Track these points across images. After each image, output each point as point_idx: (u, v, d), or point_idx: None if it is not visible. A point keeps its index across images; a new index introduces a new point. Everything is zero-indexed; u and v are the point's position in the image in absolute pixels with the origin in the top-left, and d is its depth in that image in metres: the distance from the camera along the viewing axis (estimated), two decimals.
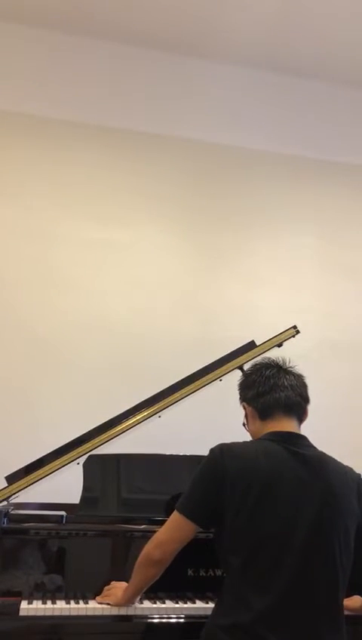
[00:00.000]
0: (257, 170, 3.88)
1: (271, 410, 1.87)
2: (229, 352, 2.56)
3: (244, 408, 1.97)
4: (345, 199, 3.99)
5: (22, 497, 2.34)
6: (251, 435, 1.96)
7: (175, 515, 1.78)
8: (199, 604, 2.01)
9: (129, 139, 3.72)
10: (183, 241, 3.71)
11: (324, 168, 3.97)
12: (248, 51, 3.80)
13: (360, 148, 4.06)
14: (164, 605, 1.98)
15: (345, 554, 1.72)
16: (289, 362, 1.98)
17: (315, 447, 1.84)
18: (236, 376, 2.13)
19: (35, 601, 1.96)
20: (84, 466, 2.37)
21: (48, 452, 2.34)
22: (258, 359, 2.12)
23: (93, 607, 1.94)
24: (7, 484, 2.27)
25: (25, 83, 3.62)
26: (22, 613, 1.89)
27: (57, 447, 2.35)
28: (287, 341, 2.65)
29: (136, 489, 2.49)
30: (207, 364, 2.54)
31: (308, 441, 1.85)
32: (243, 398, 1.97)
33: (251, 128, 3.91)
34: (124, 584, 1.95)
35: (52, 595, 2.02)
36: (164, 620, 1.94)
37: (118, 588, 1.96)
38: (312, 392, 1.96)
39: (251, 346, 2.58)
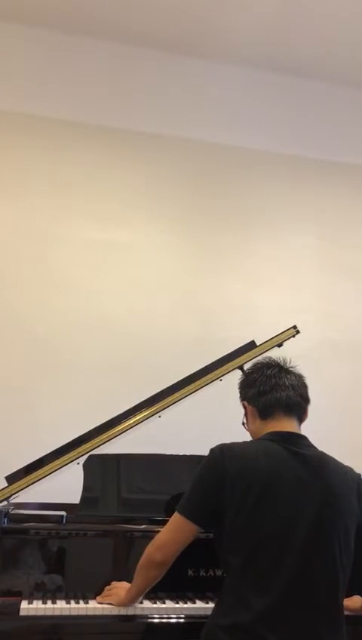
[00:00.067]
0: (257, 170, 3.88)
1: (272, 409, 1.87)
2: (229, 352, 2.56)
3: (244, 407, 1.97)
4: (345, 199, 3.99)
5: (22, 497, 2.34)
6: (251, 434, 1.96)
7: (175, 517, 1.78)
8: (199, 604, 2.01)
9: (129, 139, 3.72)
10: (183, 241, 3.71)
11: (324, 168, 3.97)
12: (248, 51, 3.80)
13: (360, 148, 4.06)
14: (164, 605, 1.98)
15: (345, 554, 1.72)
16: (290, 362, 1.98)
17: (315, 447, 1.84)
18: (236, 376, 2.13)
19: (35, 601, 1.96)
20: (84, 465, 2.37)
21: (48, 452, 2.34)
22: (259, 358, 2.12)
23: (93, 607, 1.94)
24: (7, 484, 2.27)
25: (25, 83, 3.62)
26: (22, 613, 1.89)
27: (57, 447, 2.35)
28: (287, 341, 2.65)
29: (136, 489, 2.49)
30: (207, 364, 2.54)
31: (308, 441, 1.85)
32: (244, 397, 1.97)
33: (251, 128, 3.91)
34: (125, 584, 1.95)
35: (52, 594, 2.02)
36: (164, 620, 1.94)
37: (119, 588, 1.96)
38: (312, 392, 1.96)
39: (251, 346, 2.58)
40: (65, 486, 2.38)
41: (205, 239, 3.73)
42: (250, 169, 3.88)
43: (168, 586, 1.91)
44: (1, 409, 3.23)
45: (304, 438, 1.85)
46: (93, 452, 2.37)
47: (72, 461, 2.32)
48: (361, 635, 1.98)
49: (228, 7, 3.48)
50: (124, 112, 3.74)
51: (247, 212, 3.83)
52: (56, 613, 1.90)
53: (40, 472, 2.28)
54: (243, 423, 1.99)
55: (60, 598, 2.00)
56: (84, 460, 2.36)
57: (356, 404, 3.68)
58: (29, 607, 1.91)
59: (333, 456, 1.84)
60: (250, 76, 3.93)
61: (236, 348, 2.57)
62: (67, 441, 2.36)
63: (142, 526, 2.19)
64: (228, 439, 1.84)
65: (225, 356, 2.55)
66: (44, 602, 1.96)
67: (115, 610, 1.92)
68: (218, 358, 2.55)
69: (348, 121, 4.08)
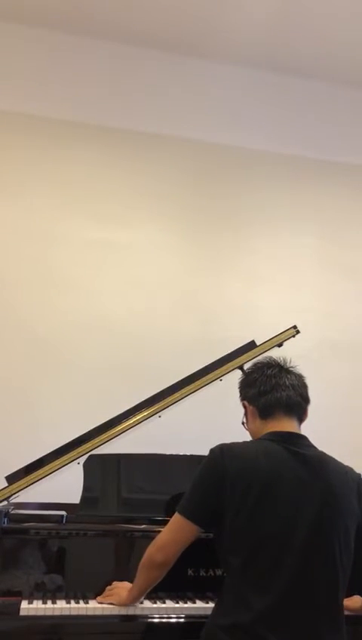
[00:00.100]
0: (257, 170, 3.88)
1: (272, 409, 1.87)
2: (229, 352, 2.56)
3: (244, 407, 1.97)
4: (345, 199, 4.00)
5: (22, 497, 2.34)
6: (250, 433, 1.96)
7: (176, 517, 1.78)
8: (199, 604, 2.01)
9: (129, 138, 3.72)
10: (183, 240, 3.71)
11: (324, 168, 3.97)
12: (248, 51, 3.80)
13: (360, 148, 4.06)
14: (164, 605, 1.98)
15: (345, 554, 1.72)
16: (290, 362, 1.98)
17: (315, 447, 1.84)
18: (236, 376, 2.13)
19: (35, 601, 1.96)
20: (85, 465, 2.37)
21: (48, 452, 2.34)
22: (259, 358, 2.12)
23: (93, 607, 1.94)
24: (7, 484, 2.27)
25: (25, 83, 3.62)
26: (22, 613, 1.89)
27: (57, 447, 2.35)
28: (287, 341, 2.65)
29: (137, 489, 2.49)
30: (207, 364, 2.54)
31: (309, 441, 1.85)
32: (244, 397, 1.97)
33: (251, 128, 3.91)
34: (126, 584, 1.95)
35: (52, 594, 2.02)
36: (164, 620, 1.94)
37: (121, 588, 1.96)
38: (312, 392, 1.96)
39: (251, 345, 2.58)
40: (66, 486, 2.38)
41: (205, 239, 3.73)
42: (250, 169, 3.88)
43: (168, 586, 1.91)
44: (1, 409, 3.23)
45: (304, 438, 1.85)
46: (93, 452, 2.37)
47: (72, 461, 2.32)
48: (361, 635, 1.98)
49: (228, 7, 3.48)
50: (124, 112, 3.74)
51: (247, 211, 3.83)
52: (57, 613, 1.90)
53: (40, 472, 2.28)
54: (243, 423, 1.99)
55: (60, 598, 2.00)
56: (84, 459, 2.36)
57: (356, 404, 3.68)
58: (29, 607, 1.91)
59: (333, 456, 1.84)
60: (250, 76, 3.93)
61: (236, 348, 2.57)
62: (67, 441, 2.36)
63: (143, 526, 2.19)
64: (228, 439, 1.84)
65: (225, 356, 2.55)
66: (44, 602, 1.96)
67: (115, 610, 1.92)
68: (218, 358, 2.55)
69: (348, 121, 4.08)
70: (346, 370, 3.72)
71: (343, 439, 3.15)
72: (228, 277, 3.72)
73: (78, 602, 1.96)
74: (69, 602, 1.96)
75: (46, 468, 2.29)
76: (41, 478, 2.28)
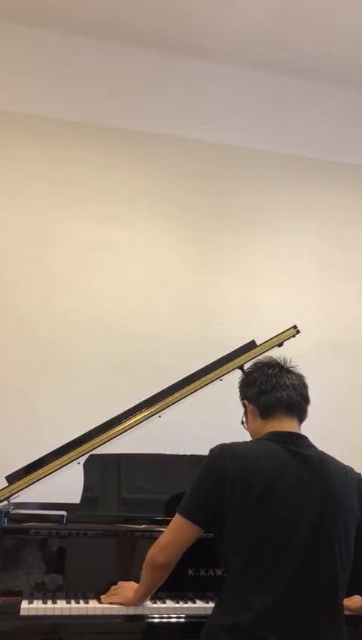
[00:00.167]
0: (257, 170, 3.88)
1: (273, 409, 1.87)
2: (229, 352, 2.56)
3: (244, 406, 1.97)
4: (345, 199, 4.00)
5: (22, 497, 2.34)
6: (250, 433, 1.95)
7: (176, 518, 1.78)
8: (199, 603, 2.01)
9: (129, 138, 3.72)
10: (183, 240, 3.71)
11: (324, 168, 3.97)
12: (248, 51, 3.80)
13: (360, 148, 4.06)
14: (164, 605, 1.98)
15: (345, 554, 1.72)
16: (291, 362, 1.98)
17: (316, 447, 1.84)
18: (236, 376, 2.13)
19: (35, 601, 1.96)
20: (85, 465, 2.37)
21: (48, 452, 2.34)
22: (259, 358, 2.12)
23: (93, 607, 1.94)
24: (7, 484, 2.27)
25: (25, 83, 3.62)
26: (22, 612, 1.89)
27: (57, 447, 2.35)
28: (287, 341, 2.65)
29: (137, 489, 2.49)
30: (207, 364, 2.54)
31: (309, 440, 1.85)
32: (244, 396, 1.96)
33: (251, 128, 3.91)
34: (133, 584, 1.96)
35: (52, 594, 2.02)
36: (164, 620, 1.94)
37: (126, 588, 1.96)
38: (312, 392, 1.96)
39: (251, 345, 2.58)
40: (66, 486, 2.38)
41: (205, 239, 3.73)
42: (250, 169, 3.88)
43: (168, 586, 1.91)
44: (1, 409, 3.23)
45: (304, 437, 1.85)
46: (93, 452, 2.37)
47: (72, 461, 2.32)
48: (361, 635, 1.98)
49: (228, 7, 3.48)
50: (124, 112, 3.74)
51: (247, 211, 3.83)
52: (57, 613, 1.91)
53: (40, 472, 2.28)
54: (243, 422, 1.99)
55: (61, 598, 2.00)
56: (85, 459, 2.36)
57: (356, 404, 3.68)
58: (30, 607, 1.91)
59: (333, 456, 1.84)
60: (250, 76, 3.93)
61: (236, 348, 2.57)
62: (67, 441, 2.36)
63: (143, 526, 2.19)
64: (228, 439, 1.84)
65: (225, 356, 2.55)
66: (45, 602, 1.96)
67: (115, 610, 1.92)
68: (218, 358, 2.55)
69: (348, 121, 4.08)
70: (346, 370, 3.72)
71: (343, 439, 3.15)
72: (228, 277, 3.72)
73: (78, 602, 1.97)
74: (69, 602, 1.97)
75: (46, 468, 2.29)
76: (41, 478, 2.28)
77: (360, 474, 1.86)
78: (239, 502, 1.70)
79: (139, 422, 2.42)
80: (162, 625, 1.93)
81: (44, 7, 3.51)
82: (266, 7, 3.47)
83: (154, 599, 1.99)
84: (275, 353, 2.16)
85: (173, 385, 2.49)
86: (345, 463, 1.85)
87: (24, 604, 1.93)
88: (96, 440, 2.36)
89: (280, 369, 1.94)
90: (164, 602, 2.00)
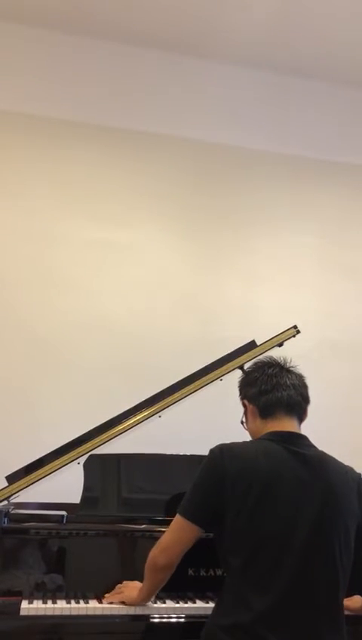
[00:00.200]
0: (257, 170, 3.89)
1: (273, 408, 1.87)
2: (229, 351, 2.56)
3: (244, 406, 1.96)
4: (345, 199, 4.00)
5: (22, 497, 2.34)
6: (250, 433, 1.95)
7: (177, 519, 1.78)
8: (199, 603, 2.01)
9: (129, 138, 3.72)
10: (183, 240, 3.71)
11: (324, 168, 3.97)
12: (248, 51, 3.80)
13: (360, 148, 4.07)
14: (164, 605, 1.98)
15: (345, 554, 1.72)
16: (291, 362, 1.98)
17: (316, 447, 1.84)
18: (236, 376, 2.13)
19: (35, 601, 1.96)
20: (85, 465, 2.37)
21: (48, 452, 2.34)
22: (259, 358, 2.12)
23: (93, 606, 1.94)
24: (7, 484, 2.27)
25: (25, 83, 3.62)
26: (22, 612, 1.89)
27: (57, 447, 2.35)
28: (287, 341, 2.65)
29: (137, 489, 2.49)
30: (207, 364, 2.54)
31: (309, 440, 1.85)
32: (244, 396, 1.96)
33: (251, 128, 3.91)
34: (137, 583, 1.96)
35: (52, 594, 2.02)
36: (164, 620, 1.94)
37: (131, 587, 1.96)
38: (312, 392, 1.96)
39: (251, 345, 2.58)
40: (66, 486, 2.38)
41: (205, 239, 3.73)
42: (250, 169, 3.88)
43: (168, 586, 1.91)
44: (1, 409, 3.23)
45: (304, 437, 1.85)
46: (94, 452, 2.37)
47: (72, 461, 2.32)
48: (361, 635, 1.98)
49: (228, 7, 3.48)
50: (124, 112, 3.74)
51: (247, 211, 3.83)
52: (57, 613, 1.91)
53: (40, 471, 2.28)
54: (243, 422, 1.98)
55: (61, 598, 2.00)
56: (85, 459, 2.36)
57: (356, 404, 3.68)
58: (30, 607, 1.91)
59: (333, 456, 1.84)
60: (250, 76, 3.93)
61: (236, 348, 2.57)
62: (67, 441, 2.36)
63: (143, 526, 2.19)
64: (228, 439, 1.83)
65: (225, 356, 2.55)
66: (45, 602, 1.96)
67: (115, 610, 1.92)
68: (218, 358, 2.55)
69: (348, 121, 4.08)
70: (346, 370, 3.72)
71: (343, 439, 3.15)
72: (228, 277, 3.72)
73: (78, 602, 1.97)
74: (69, 602, 1.96)
75: (46, 468, 2.29)
76: (41, 478, 2.28)
77: (360, 474, 1.86)
78: (239, 502, 1.70)
79: (139, 422, 2.42)
80: (162, 625, 1.93)
81: (44, 7, 3.51)
82: (266, 7, 3.47)
83: (154, 599, 1.99)
84: (275, 353, 2.15)
85: (173, 385, 2.49)
86: (345, 463, 1.85)
87: (24, 604, 1.93)
88: (96, 440, 2.36)
89: (280, 369, 1.94)
90: (164, 602, 2.00)
